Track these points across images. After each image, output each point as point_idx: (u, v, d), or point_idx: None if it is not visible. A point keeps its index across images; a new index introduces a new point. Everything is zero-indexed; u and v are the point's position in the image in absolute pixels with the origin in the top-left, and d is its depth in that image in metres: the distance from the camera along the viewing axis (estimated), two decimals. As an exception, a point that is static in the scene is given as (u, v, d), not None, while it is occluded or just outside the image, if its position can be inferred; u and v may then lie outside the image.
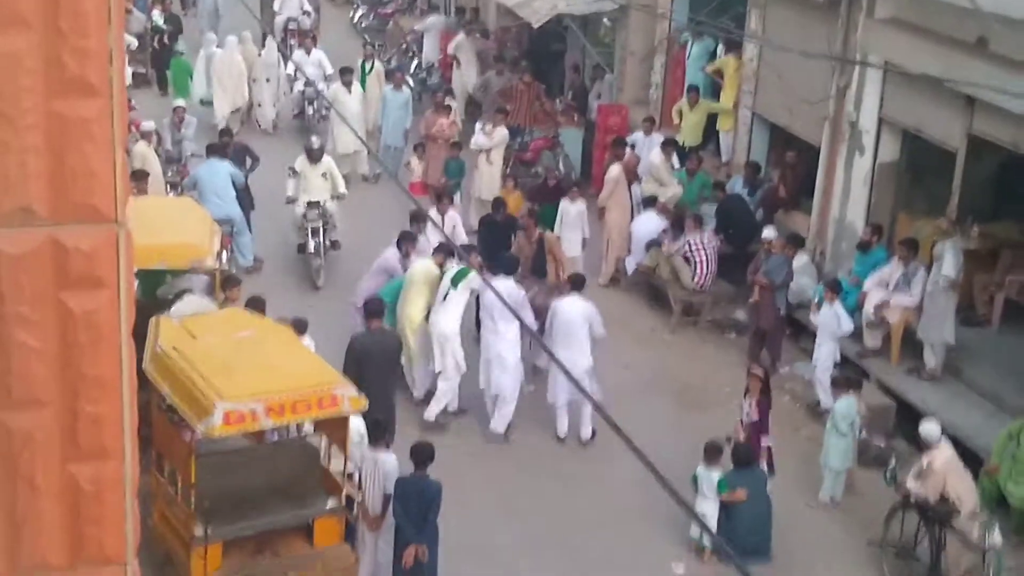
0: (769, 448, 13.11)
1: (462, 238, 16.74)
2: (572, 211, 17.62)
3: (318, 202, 17.45)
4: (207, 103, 23.24)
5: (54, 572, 2.64)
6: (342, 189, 17.90)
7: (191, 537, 10.21)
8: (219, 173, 17.26)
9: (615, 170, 18.30)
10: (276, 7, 27.46)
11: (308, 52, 23.54)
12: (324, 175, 17.72)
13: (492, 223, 17.06)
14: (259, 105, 23.61)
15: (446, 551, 11.04)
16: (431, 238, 15.85)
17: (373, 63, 23.23)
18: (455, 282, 14.03)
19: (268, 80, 23.58)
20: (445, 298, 14.06)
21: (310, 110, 23.18)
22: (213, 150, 17.88)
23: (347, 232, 17.90)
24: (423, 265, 14.51)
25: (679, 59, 21.58)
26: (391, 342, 13.64)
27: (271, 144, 21.77)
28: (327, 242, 17.67)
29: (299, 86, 23.30)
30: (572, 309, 13.89)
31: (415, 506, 10.74)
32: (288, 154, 19.28)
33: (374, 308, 13.64)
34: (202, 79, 23.52)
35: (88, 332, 2.62)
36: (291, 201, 17.68)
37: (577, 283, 14.38)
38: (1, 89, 2.53)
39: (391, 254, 15.29)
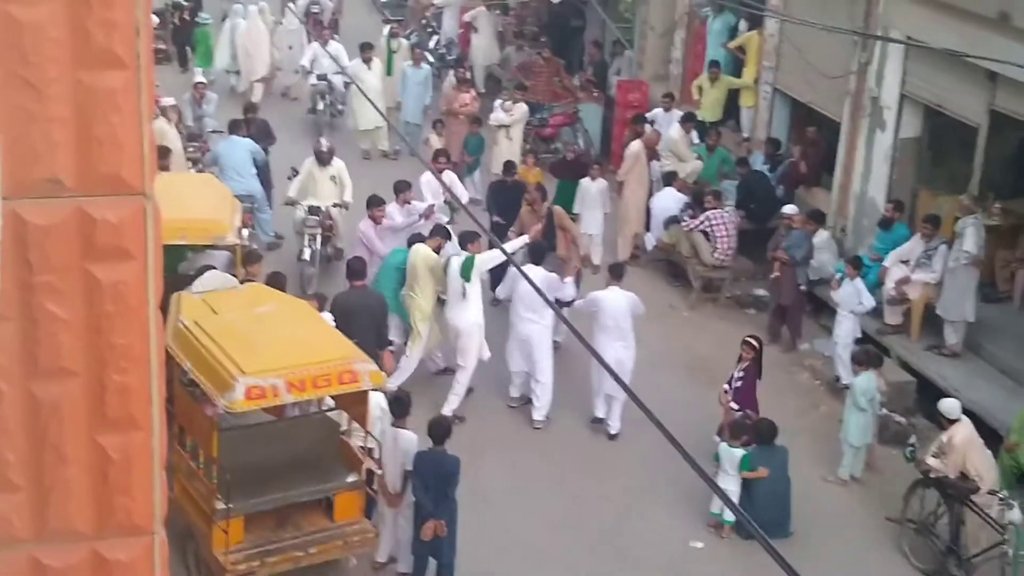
0: (743, 416, 12.96)
1: (460, 195, 16.59)
2: (592, 189, 17.56)
3: (319, 207, 16.33)
4: (231, 72, 23.58)
5: (83, 540, 2.66)
6: (348, 196, 16.62)
7: (213, 511, 10.27)
8: (239, 150, 17.21)
9: (636, 146, 18.23)
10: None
11: (325, 44, 23.08)
12: (333, 178, 16.68)
13: (502, 185, 17.06)
14: (279, 69, 23.83)
15: (464, 528, 11.07)
16: (426, 195, 15.90)
17: (400, 42, 23.06)
18: (465, 275, 13.49)
19: (291, 47, 23.70)
20: (464, 295, 13.54)
21: (321, 104, 22.30)
22: (234, 127, 17.85)
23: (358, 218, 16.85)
24: (420, 252, 13.97)
25: (700, 34, 21.48)
26: (374, 301, 13.42)
27: (287, 126, 21.71)
28: (327, 250, 16.58)
29: (313, 79, 22.36)
30: (616, 300, 13.60)
31: (433, 481, 10.76)
32: (300, 132, 18.86)
33: (355, 267, 13.57)
34: (225, 49, 23.66)
35: (115, 303, 2.63)
36: (290, 203, 16.67)
37: (617, 273, 14.00)
38: (26, 58, 2.52)
39: (364, 226, 15.16)
